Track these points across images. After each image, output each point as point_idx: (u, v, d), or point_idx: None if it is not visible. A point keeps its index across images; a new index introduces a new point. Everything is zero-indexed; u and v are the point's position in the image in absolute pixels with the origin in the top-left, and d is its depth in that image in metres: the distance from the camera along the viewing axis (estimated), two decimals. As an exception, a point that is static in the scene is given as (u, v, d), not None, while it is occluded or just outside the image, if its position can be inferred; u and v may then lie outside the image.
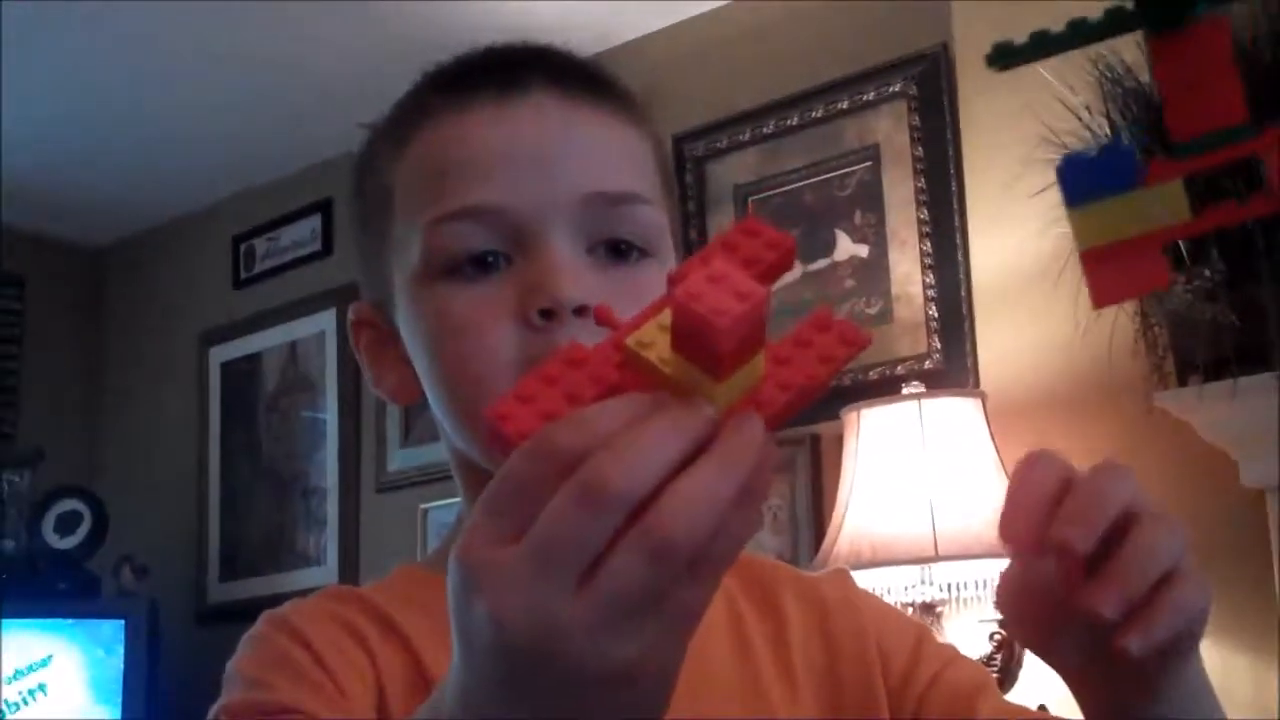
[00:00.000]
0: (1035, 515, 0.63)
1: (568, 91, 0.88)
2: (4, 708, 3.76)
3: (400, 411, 3.90)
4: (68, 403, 4.71)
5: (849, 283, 3.17)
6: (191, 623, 4.26)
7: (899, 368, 3.01)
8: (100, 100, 3.87)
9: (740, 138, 3.37)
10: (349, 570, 3.99)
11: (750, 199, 3.34)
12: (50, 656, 3.84)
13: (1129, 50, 2.29)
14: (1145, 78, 2.40)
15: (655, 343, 0.52)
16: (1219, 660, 2.32)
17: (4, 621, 3.74)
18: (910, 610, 2.45)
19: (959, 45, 2.93)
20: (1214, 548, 2.31)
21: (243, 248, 4.48)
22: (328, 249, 4.22)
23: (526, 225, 0.84)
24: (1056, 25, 0.51)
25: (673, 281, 0.51)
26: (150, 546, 4.26)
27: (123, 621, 3.89)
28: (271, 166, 4.28)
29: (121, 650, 3.86)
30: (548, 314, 0.81)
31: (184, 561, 4.38)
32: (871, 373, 3.03)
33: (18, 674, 3.80)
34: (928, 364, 2.98)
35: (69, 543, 4.09)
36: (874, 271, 3.13)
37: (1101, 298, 0.51)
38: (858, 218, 3.17)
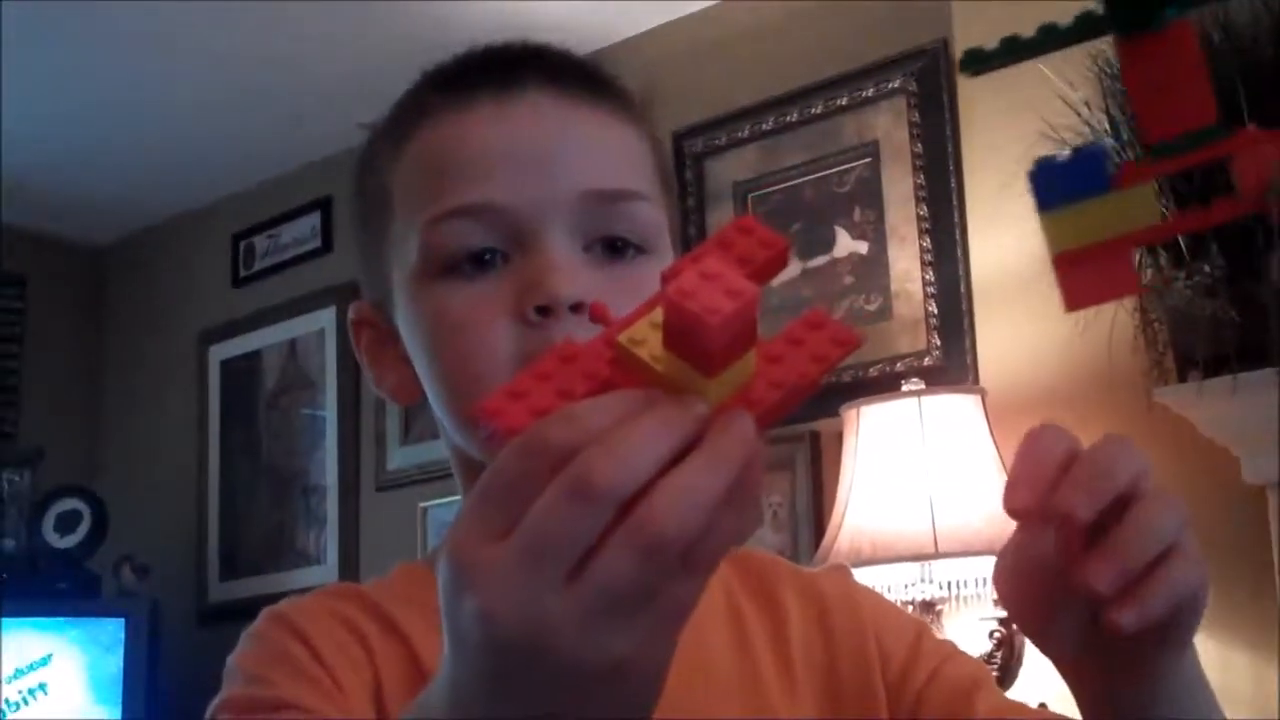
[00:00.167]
0: (1040, 483, 0.63)
1: (565, 90, 0.89)
2: (4, 707, 3.76)
3: (400, 410, 3.90)
4: (68, 402, 4.72)
5: (848, 279, 3.17)
6: (192, 622, 4.26)
7: (898, 364, 3.01)
8: (100, 99, 3.87)
9: (739, 134, 3.37)
10: (349, 569, 3.99)
11: (750, 196, 3.34)
12: (50, 656, 3.84)
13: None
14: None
15: (647, 340, 0.52)
16: (1219, 656, 2.32)
17: (4, 621, 3.74)
18: (910, 608, 2.45)
19: (959, 41, 2.92)
20: (1214, 544, 2.29)
21: (242, 245, 4.48)
22: (327, 246, 4.22)
23: (524, 223, 0.84)
24: (1057, 20, 0.51)
25: (665, 279, 0.51)
26: (150, 545, 4.26)
27: (123, 620, 3.90)
28: (271, 164, 4.28)
29: (121, 649, 3.87)
30: (545, 311, 0.82)
31: (184, 560, 4.38)
32: (871, 370, 3.03)
33: (18, 673, 3.80)
34: (927, 361, 2.98)
35: (69, 542, 4.10)
36: (873, 268, 3.13)
37: (1073, 301, 0.51)
38: (857, 214, 3.17)
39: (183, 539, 4.41)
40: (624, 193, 0.87)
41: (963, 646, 0.97)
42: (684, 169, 3.39)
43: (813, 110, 3.26)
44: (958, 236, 2.97)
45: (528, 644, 0.50)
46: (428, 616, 0.82)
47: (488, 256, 0.85)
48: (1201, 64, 0.49)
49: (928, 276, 3.02)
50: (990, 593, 2.41)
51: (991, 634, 2.47)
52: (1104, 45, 2.31)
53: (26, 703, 3.80)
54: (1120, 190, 0.50)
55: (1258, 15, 2.33)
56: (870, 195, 3.16)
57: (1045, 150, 2.33)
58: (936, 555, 2.40)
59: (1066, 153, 0.50)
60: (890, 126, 3.14)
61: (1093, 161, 0.50)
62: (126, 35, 3.55)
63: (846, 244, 3.18)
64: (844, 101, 3.21)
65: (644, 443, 0.49)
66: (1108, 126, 2.41)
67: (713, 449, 0.50)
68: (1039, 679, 2.39)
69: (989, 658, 2.44)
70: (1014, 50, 0.50)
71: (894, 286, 3.09)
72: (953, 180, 2.99)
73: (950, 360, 2.95)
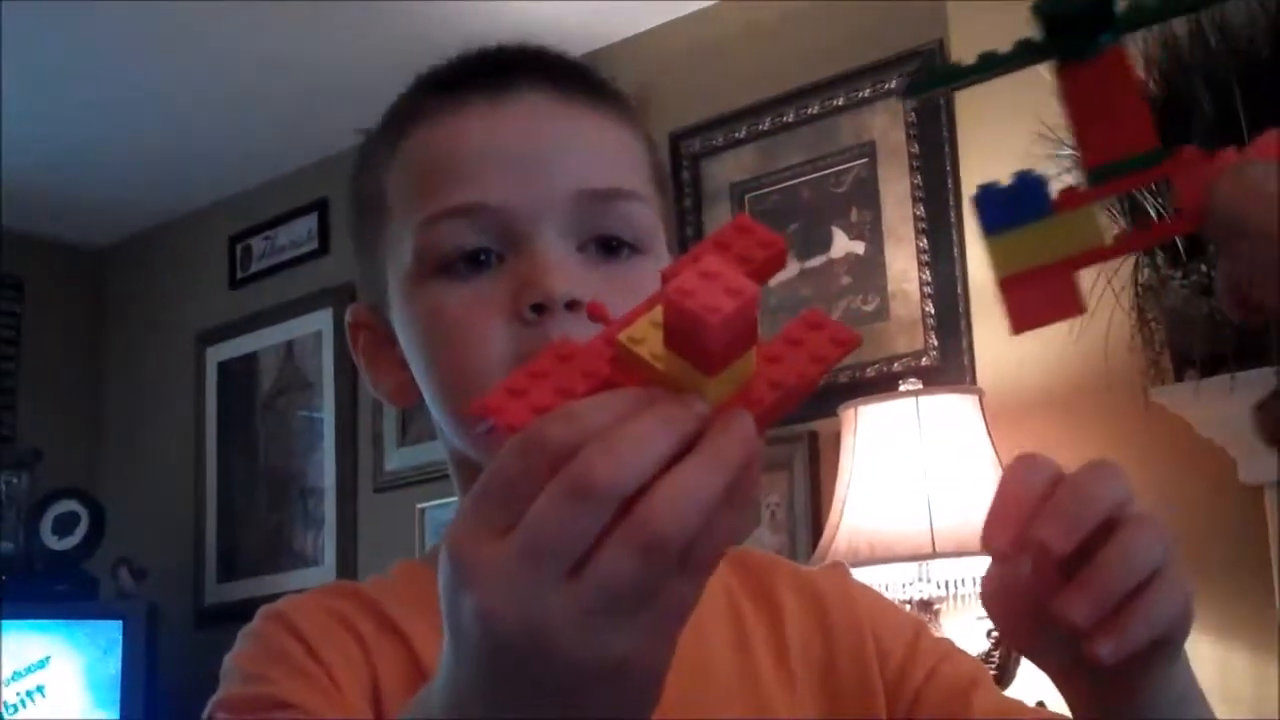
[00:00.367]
0: (1018, 520, 0.61)
1: (560, 91, 0.89)
2: (2, 709, 3.76)
3: (397, 411, 3.90)
4: (65, 404, 4.71)
5: (845, 280, 3.17)
6: (190, 623, 4.26)
7: (896, 365, 3.01)
8: (97, 101, 3.87)
9: (736, 135, 3.37)
10: (347, 570, 3.99)
11: (746, 196, 3.34)
12: (48, 658, 3.84)
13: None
14: (1141, 75, 2.41)
15: (647, 339, 0.52)
16: (1219, 658, 2.32)
17: (2, 623, 3.74)
18: (908, 607, 2.45)
19: (954, 42, 2.92)
20: (1212, 544, 2.31)
21: (239, 247, 4.48)
22: (324, 248, 4.22)
23: (518, 223, 0.84)
24: (1013, 44, 0.51)
25: (666, 278, 0.51)
26: (148, 547, 4.26)
27: (121, 623, 3.90)
28: (268, 166, 4.28)
29: (119, 651, 3.86)
30: (539, 309, 0.82)
31: (182, 562, 4.38)
32: (869, 370, 3.04)
33: (16, 675, 3.80)
34: (925, 361, 2.98)
35: (67, 544, 4.10)
36: (870, 268, 3.13)
37: (1019, 324, 0.52)
38: (854, 215, 3.18)
39: (180, 541, 4.41)
40: (618, 192, 0.87)
41: (960, 646, 0.97)
42: (681, 169, 3.39)
43: (809, 111, 3.26)
44: (954, 237, 2.97)
45: (527, 642, 0.50)
46: (427, 615, 0.82)
47: (482, 257, 0.85)
48: (1138, 88, 0.50)
49: (925, 276, 3.02)
50: (988, 593, 2.41)
51: (989, 633, 2.47)
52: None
53: (24, 705, 3.80)
54: (1062, 214, 0.50)
55: (1254, 16, 2.33)
56: (867, 196, 3.16)
57: (1043, 150, 2.34)
58: (934, 555, 2.40)
59: (1009, 180, 0.51)
60: (887, 127, 3.15)
61: (1034, 187, 0.51)
62: (124, 38, 3.55)
63: (843, 244, 3.18)
64: (840, 102, 3.21)
65: (644, 441, 0.49)
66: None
67: (713, 448, 0.50)
68: (1037, 677, 2.39)
69: (986, 657, 2.44)
70: (954, 77, 0.51)
71: (891, 287, 3.09)
72: (949, 180, 3.00)
73: (947, 360, 2.95)
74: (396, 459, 3.96)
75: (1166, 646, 0.66)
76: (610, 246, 0.86)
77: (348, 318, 0.97)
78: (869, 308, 3.11)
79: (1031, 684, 2.37)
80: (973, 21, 2.73)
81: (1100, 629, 0.61)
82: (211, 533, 4.39)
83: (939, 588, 2.49)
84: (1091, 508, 0.62)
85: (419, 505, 3.81)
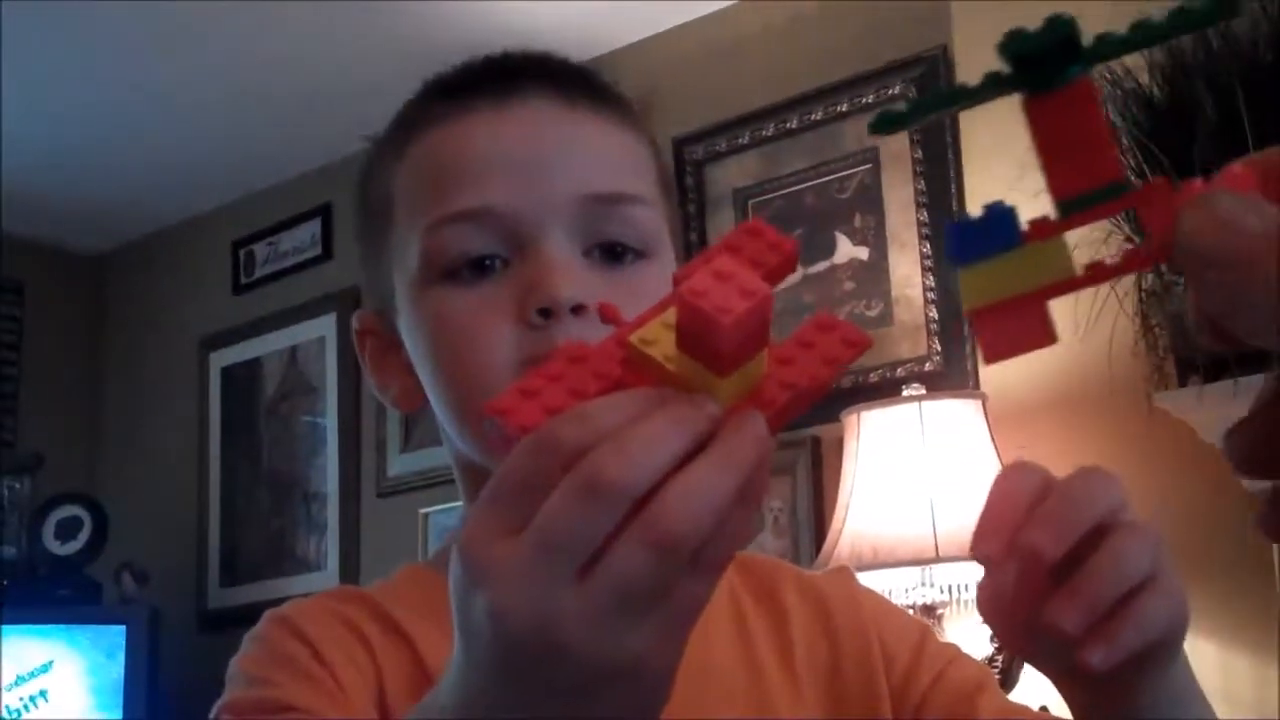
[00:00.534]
0: (1008, 527, 0.61)
1: (565, 96, 0.89)
2: (5, 713, 3.76)
3: (401, 416, 3.90)
4: (68, 409, 4.71)
5: (849, 285, 3.17)
6: (192, 628, 4.26)
7: (899, 370, 3.01)
8: (99, 106, 3.87)
9: (740, 141, 3.37)
10: (350, 575, 3.99)
11: (750, 202, 3.34)
12: (51, 662, 3.84)
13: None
14: (1144, 79, 2.41)
15: (659, 340, 0.52)
16: (1220, 660, 2.32)
17: (5, 627, 3.74)
18: (911, 612, 2.45)
19: (958, 47, 2.93)
20: (1214, 549, 2.31)
21: (242, 253, 4.48)
22: (328, 253, 4.22)
23: (523, 227, 0.85)
24: (995, 68, 0.52)
25: (678, 280, 0.51)
26: (151, 552, 4.26)
27: (124, 627, 3.90)
28: (271, 171, 4.28)
29: (122, 656, 3.86)
30: (546, 313, 0.82)
31: (184, 567, 4.38)
32: (872, 375, 3.03)
33: (19, 680, 3.80)
34: (928, 366, 2.98)
35: (69, 549, 4.10)
36: (874, 274, 3.13)
37: (991, 354, 0.52)
38: (858, 220, 3.18)
39: (183, 545, 4.41)
40: (623, 196, 0.87)
41: (964, 650, 0.97)
42: (684, 175, 3.39)
43: (813, 116, 3.26)
44: (958, 242, 2.96)
45: (539, 641, 0.50)
46: (432, 619, 0.83)
47: (488, 261, 0.85)
48: (1104, 121, 0.50)
49: (928, 282, 3.02)
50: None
51: (992, 637, 2.47)
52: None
53: (27, 709, 3.80)
54: (1032, 245, 0.51)
55: (1257, 21, 2.34)
56: (871, 201, 3.16)
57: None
58: (937, 560, 2.40)
59: (979, 212, 0.52)
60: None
61: (1003, 219, 0.52)
62: (125, 41, 3.55)
63: (847, 250, 3.18)
64: (844, 108, 3.22)
65: (656, 441, 0.49)
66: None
67: (725, 448, 0.50)
68: (1041, 681, 2.39)
69: (990, 661, 2.44)
70: (923, 110, 0.52)
71: (895, 292, 3.09)
72: (953, 186, 3.00)
73: (951, 365, 2.95)
74: (399, 464, 3.96)
75: (1161, 652, 0.65)
76: (615, 252, 0.86)
77: (354, 324, 0.97)
78: (872, 313, 3.11)
79: (1036, 688, 2.37)
80: (976, 26, 2.74)
81: (1091, 636, 0.60)
82: (214, 537, 4.39)
83: (942, 592, 2.49)
84: (1083, 513, 0.62)
85: (422, 510, 3.81)
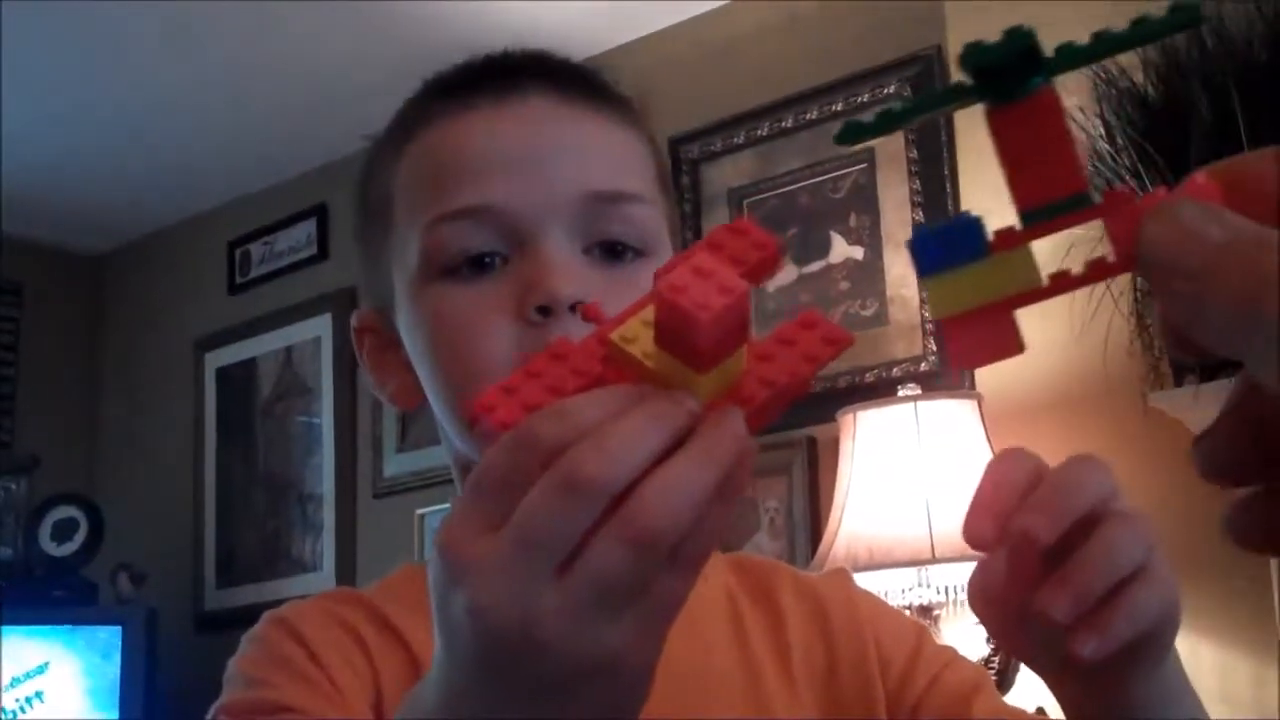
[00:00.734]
0: (1001, 511, 0.61)
1: (565, 94, 0.90)
2: (2, 714, 3.76)
3: (397, 416, 3.90)
4: (64, 409, 4.71)
5: (844, 285, 3.17)
6: (189, 629, 4.26)
7: (894, 370, 3.01)
8: (97, 108, 3.87)
9: (735, 140, 3.37)
10: (346, 576, 3.99)
11: (745, 201, 3.35)
12: (47, 663, 3.84)
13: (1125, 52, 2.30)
14: (1139, 78, 2.41)
15: (639, 337, 0.52)
16: (1219, 660, 2.32)
17: (1, 628, 3.74)
18: (907, 613, 2.45)
19: (953, 47, 2.93)
20: (1211, 549, 2.30)
21: (238, 253, 4.48)
22: (323, 254, 4.21)
23: (523, 225, 0.85)
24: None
25: (658, 277, 0.51)
26: (147, 553, 4.26)
27: (120, 628, 3.89)
28: (267, 171, 4.28)
29: (119, 657, 3.86)
30: (545, 311, 0.82)
31: (181, 568, 4.38)
32: (867, 375, 3.04)
33: (15, 681, 3.80)
34: (923, 366, 2.99)
35: (66, 550, 4.09)
36: (869, 274, 3.13)
37: (960, 362, 0.52)
38: (852, 220, 3.18)
39: (179, 546, 4.40)
40: (623, 194, 0.87)
41: (960, 651, 0.97)
42: (680, 174, 3.40)
43: (808, 116, 3.26)
44: (953, 242, 2.97)
45: (519, 637, 0.50)
46: (425, 617, 0.83)
47: (487, 259, 0.85)
48: (1066, 132, 0.50)
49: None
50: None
51: (988, 638, 2.47)
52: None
53: (24, 710, 3.80)
54: (998, 255, 0.51)
55: (1252, 20, 2.34)
56: (866, 201, 3.16)
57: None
58: (933, 560, 2.40)
59: (944, 222, 0.52)
60: (885, 132, 3.14)
61: (968, 229, 0.52)
62: (123, 43, 3.55)
63: (842, 249, 3.18)
64: (839, 107, 3.22)
65: (634, 437, 0.49)
66: (1103, 132, 2.41)
67: (703, 444, 0.50)
68: (1036, 683, 2.39)
69: (986, 662, 2.44)
70: (888, 123, 0.52)
71: (890, 292, 3.09)
72: (948, 186, 3.00)
73: (946, 365, 2.95)
74: (395, 464, 3.96)
75: (1152, 645, 0.65)
76: (615, 251, 0.87)
77: (353, 321, 0.97)
78: (868, 313, 3.11)
79: (1032, 689, 2.37)
80: (972, 25, 2.74)
81: (1082, 626, 0.60)
82: (210, 538, 4.38)
83: (938, 593, 2.49)
84: (1076, 499, 0.61)
85: (418, 511, 3.81)
